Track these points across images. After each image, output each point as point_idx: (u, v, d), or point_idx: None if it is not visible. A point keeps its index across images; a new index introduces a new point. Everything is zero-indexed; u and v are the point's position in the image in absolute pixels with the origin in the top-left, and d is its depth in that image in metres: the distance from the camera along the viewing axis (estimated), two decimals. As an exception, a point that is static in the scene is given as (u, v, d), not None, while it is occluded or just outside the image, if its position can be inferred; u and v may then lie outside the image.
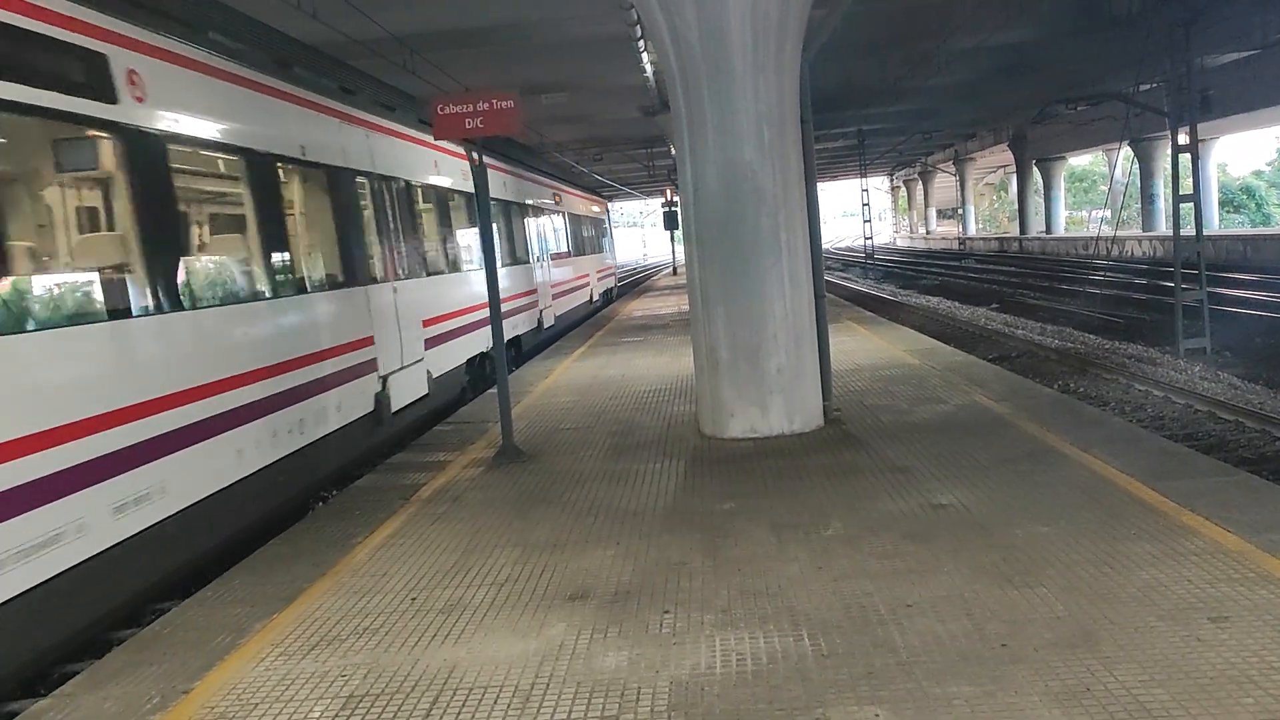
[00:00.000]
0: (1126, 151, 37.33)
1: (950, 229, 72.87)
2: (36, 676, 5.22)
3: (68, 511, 5.07)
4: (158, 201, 6.30)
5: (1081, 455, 6.99)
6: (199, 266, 7.15)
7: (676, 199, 29.44)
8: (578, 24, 16.33)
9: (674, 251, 47.72)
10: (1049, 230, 51.67)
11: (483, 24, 15.83)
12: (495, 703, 3.95)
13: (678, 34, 8.24)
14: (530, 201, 19.85)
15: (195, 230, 7.36)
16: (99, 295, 5.80)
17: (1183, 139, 16.90)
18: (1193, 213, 16.81)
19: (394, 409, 9.81)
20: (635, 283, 44.45)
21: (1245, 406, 11.75)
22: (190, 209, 7.22)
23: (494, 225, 13.84)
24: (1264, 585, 4.47)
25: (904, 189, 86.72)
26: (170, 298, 6.25)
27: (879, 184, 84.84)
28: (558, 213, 23.47)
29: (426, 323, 11.19)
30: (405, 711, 3.95)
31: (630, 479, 7.45)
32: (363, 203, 9.89)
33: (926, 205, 77.26)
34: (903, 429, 8.37)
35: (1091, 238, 39.53)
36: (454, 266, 13.08)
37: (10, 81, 5.02)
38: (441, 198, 12.94)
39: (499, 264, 16.64)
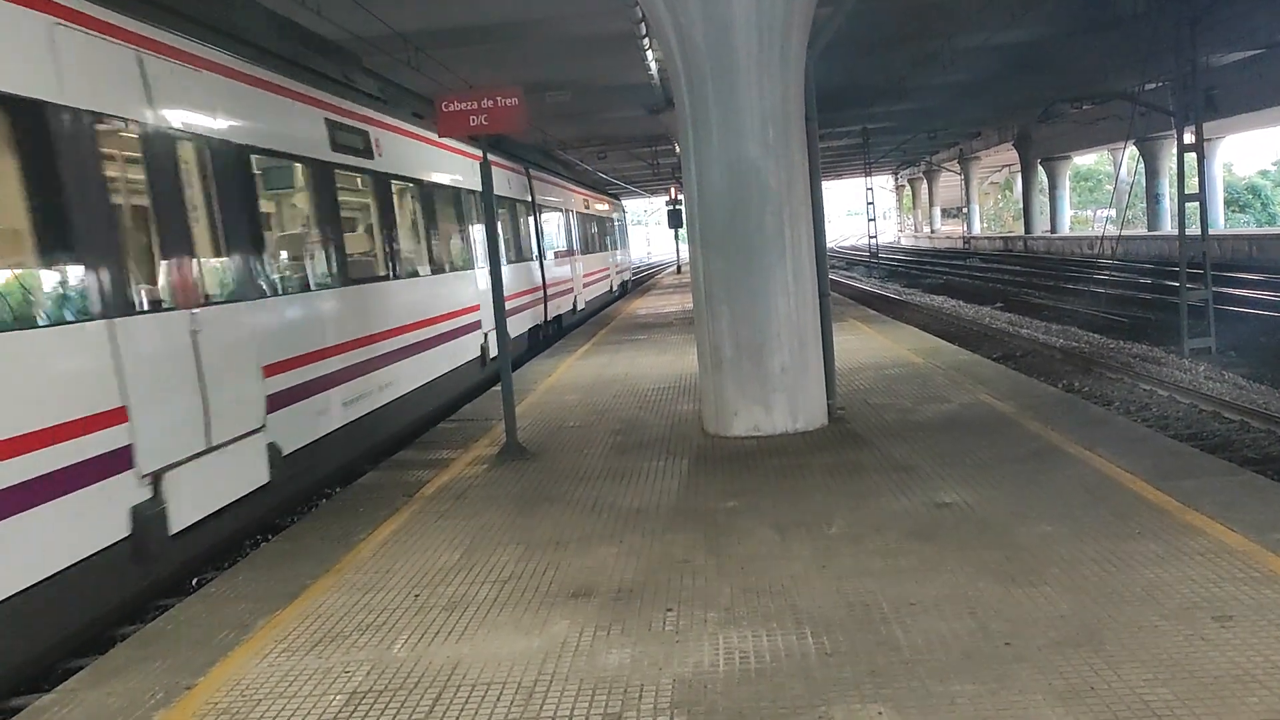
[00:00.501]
0: (1132, 151, 37.26)
1: (955, 228, 72.76)
2: (40, 674, 5.23)
3: (389, 375, 9.91)
4: (394, 213, 10.99)
5: (1086, 454, 6.97)
6: (418, 251, 12.00)
7: (681, 197, 29.66)
8: (582, 21, 16.33)
9: (678, 250, 47.76)
10: (1054, 229, 51.62)
11: (487, 21, 15.84)
12: (498, 700, 3.96)
13: (682, 31, 8.23)
14: (573, 209, 24.79)
15: (413, 229, 11.91)
16: (383, 266, 10.58)
17: (1188, 138, 16.86)
18: (1198, 212, 16.78)
19: (490, 356, 13.69)
20: (638, 281, 44.44)
21: (1250, 406, 11.73)
22: (412, 217, 11.87)
23: (551, 228, 21.98)
24: (1268, 585, 4.46)
25: (909, 188, 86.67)
26: (405, 268, 11.22)
27: (884, 182, 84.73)
28: (590, 217, 27.65)
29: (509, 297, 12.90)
30: (408, 708, 3.95)
31: (633, 477, 7.44)
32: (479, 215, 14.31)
33: (931, 204, 77.19)
34: (907, 428, 8.36)
35: (1096, 237, 39.47)
36: (521, 258, 17.71)
37: (341, 153, 9.49)
38: (521, 210, 18.42)
39: (554, 257, 22.11)
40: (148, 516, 5.72)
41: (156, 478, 5.85)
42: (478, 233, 14.02)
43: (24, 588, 4.80)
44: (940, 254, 58.99)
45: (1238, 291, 21.81)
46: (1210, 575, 4.63)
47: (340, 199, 9.50)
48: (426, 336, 11.40)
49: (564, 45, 18.07)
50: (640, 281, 43.40)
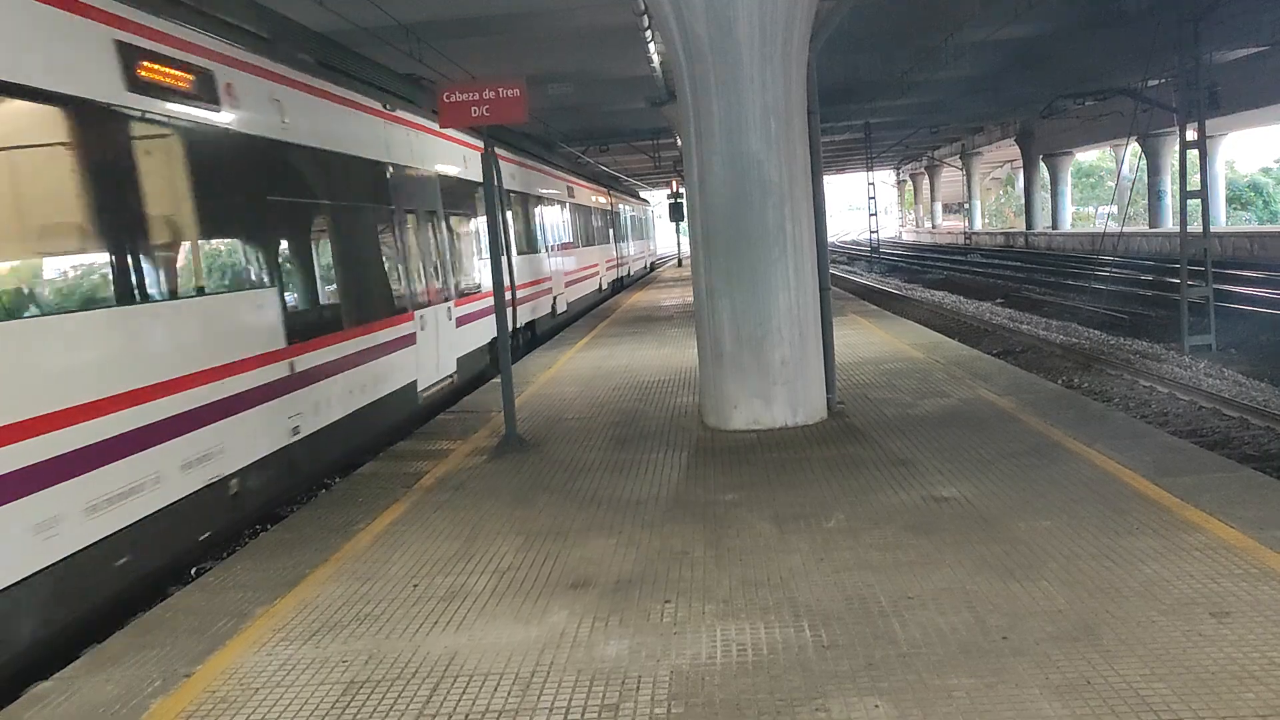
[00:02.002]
0: (1134, 147, 37.20)
1: (956, 224, 72.72)
2: (34, 666, 5.22)
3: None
4: (553, 220, 21.41)
5: (1085, 450, 6.97)
6: (554, 239, 20.61)
7: (682, 190, 29.92)
8: (585, 14, 16.29)
9: (679, 243, 47.87)
10: (1055, 226, 51.58)
11: (490, 13, 15.80)
12: (495, 690, 3.96)
13: (685, 24, 8.22)
14: (620, 209, 36.32)
15: (555, 227, 20.58)
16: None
17: (1191, 135, 16.83)
18: (1200, 209, 16.76)
19: (560, 311, 20.57)
20: (638, 275, 44.65)
21: (1249, 403, 11.74)
22: (553, 222, 20.77)
23: (609, 221, 30.52)
24: (1266, 581, 4.47)
25: (910, 183, 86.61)
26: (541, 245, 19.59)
27: (885, 178, 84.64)
28: (635, 216, 41.61)
29: (570, 273, 22.62)
30: (405, 698, 3.95)
31: (633, 469, 7.45)
32: (579, 219, 23.19)
33: (933, 199, 77.10)
34: (906, 422, 8.36)
35: (1098, 233, 39.43)
36: (587, 242, 26.48)
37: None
38: (596, 212, 28.18)
39: (612, 240, 32.73)
40: (555, 307, 20.74)
41: (555, 299, 20.34)
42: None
43: (545, 314, 17.99)
44: (941, 249, 58.95)
45: (1239, 289, 21.80)
46: (1208, 571, 4.64)
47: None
48: None
49: (566, 37, 18.02)
50: (639, 277, 43.36)
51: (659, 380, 11.67)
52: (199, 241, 6.85)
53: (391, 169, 10.70)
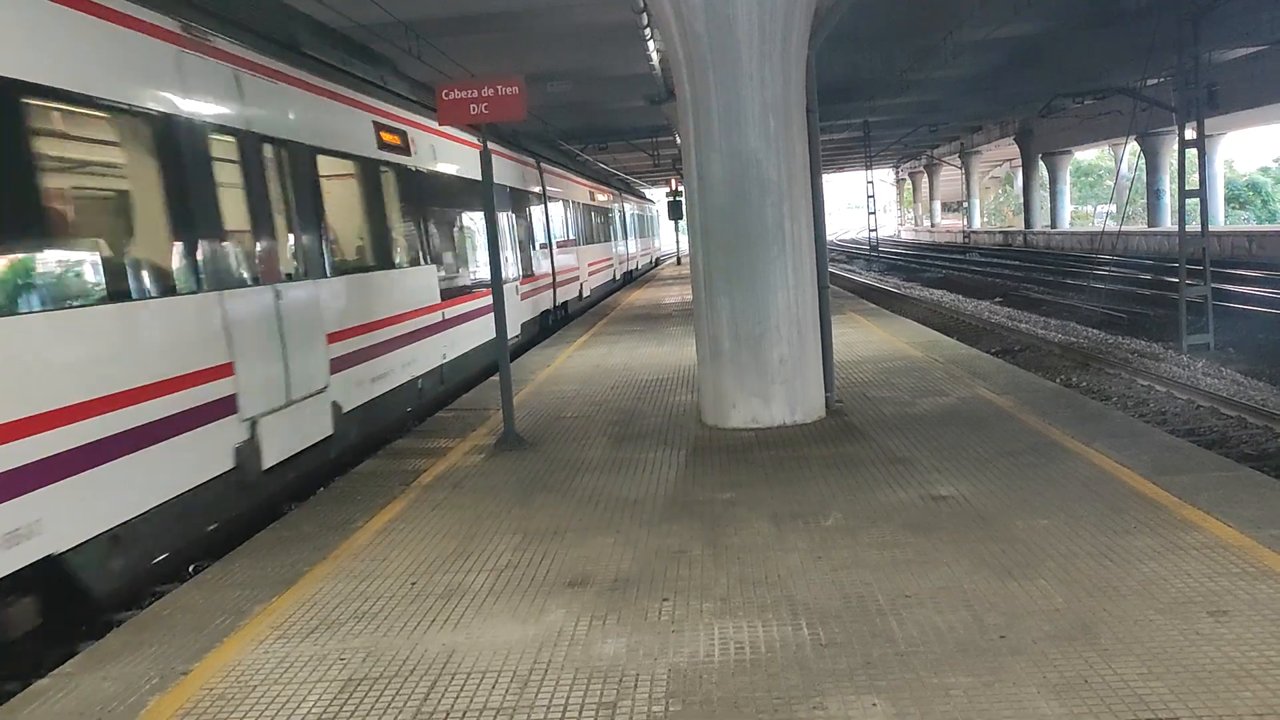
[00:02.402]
0: (1133, 146, 37.20)
1: (955, 222, 72.72)
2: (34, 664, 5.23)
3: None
4: (602, 221, 29.70)
5: (1083, 449, 6.98)
6: (582, 236, 25.07)
7: (681, 188, 30.18)
8: (584, 12, 16.29)
9: (678, 241, 47.95)
10: (1054, 224, 51.59)
11: (489, 10, 15.80)
12: (493, 688, 3.96)
13: (684, 22, 8.21)
14: (633, 210, 41.58)
15: (582, 225, 25.12)
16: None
17: (1189, 134, 16.85)
18: (1198, 208, 16.77)
19: (585, 295, 24.10)
20: (645, 267, 44.94)
21: (1248, 402, 11.75)
22: (581, 221, 25.18)
23: (622, 221, 35.68)
24: (1264, 580, 4.47)
25: (909, 181, 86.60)
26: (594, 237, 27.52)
27: (884, 176, 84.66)
28: (641, 215, 45.60)
29: (591, 264, 26.58)
30: (403, 695, 3.95)
31: (631, 468, 7.45)
32: (600, 219, 28.43)
33: (931, 198, 77.13)
34: (904, 421, 8.36)
35: (1096, 232, 39.43)
36: (607, 238, 30.20)
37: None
38: (615, 213, 33.10)
39: (626, 237, 38.08)
40: (581, 292, 24.19)
41: (581, 284, 24.24)
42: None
43: (574, 297, 22.32)
44: (940, 248, 58.99)
45: (1237, 288, 21.82)
46: (1206, 570, 4.64)
47: None
48: None
49: (565, 35, 18.02)
50: (638, 275, 43.37)
51: (658, 379, 11.67)
52: (412, 237, 11.28)
53: (509, 190, 15.98)
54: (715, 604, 4.65)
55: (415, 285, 11.04)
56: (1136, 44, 19.94)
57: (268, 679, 4.19)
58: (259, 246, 7.39)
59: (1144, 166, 40.85)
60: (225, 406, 6.60)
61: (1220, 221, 40.27)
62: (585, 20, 16.83)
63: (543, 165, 20.47)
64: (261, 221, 7.46)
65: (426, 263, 11.57)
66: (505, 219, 15.45)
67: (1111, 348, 16.81)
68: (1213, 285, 16.68)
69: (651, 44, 17.47)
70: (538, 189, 19.61)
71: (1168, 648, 3.88)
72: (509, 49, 18.40)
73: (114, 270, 5.73)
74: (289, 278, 7.80)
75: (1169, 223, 37.67)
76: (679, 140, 19.92)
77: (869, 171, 47.04)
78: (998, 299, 26.90)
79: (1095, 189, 70.63)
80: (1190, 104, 16.89)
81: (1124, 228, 37.23)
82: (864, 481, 6.59)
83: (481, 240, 13.16)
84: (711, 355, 8.63)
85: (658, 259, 55.39)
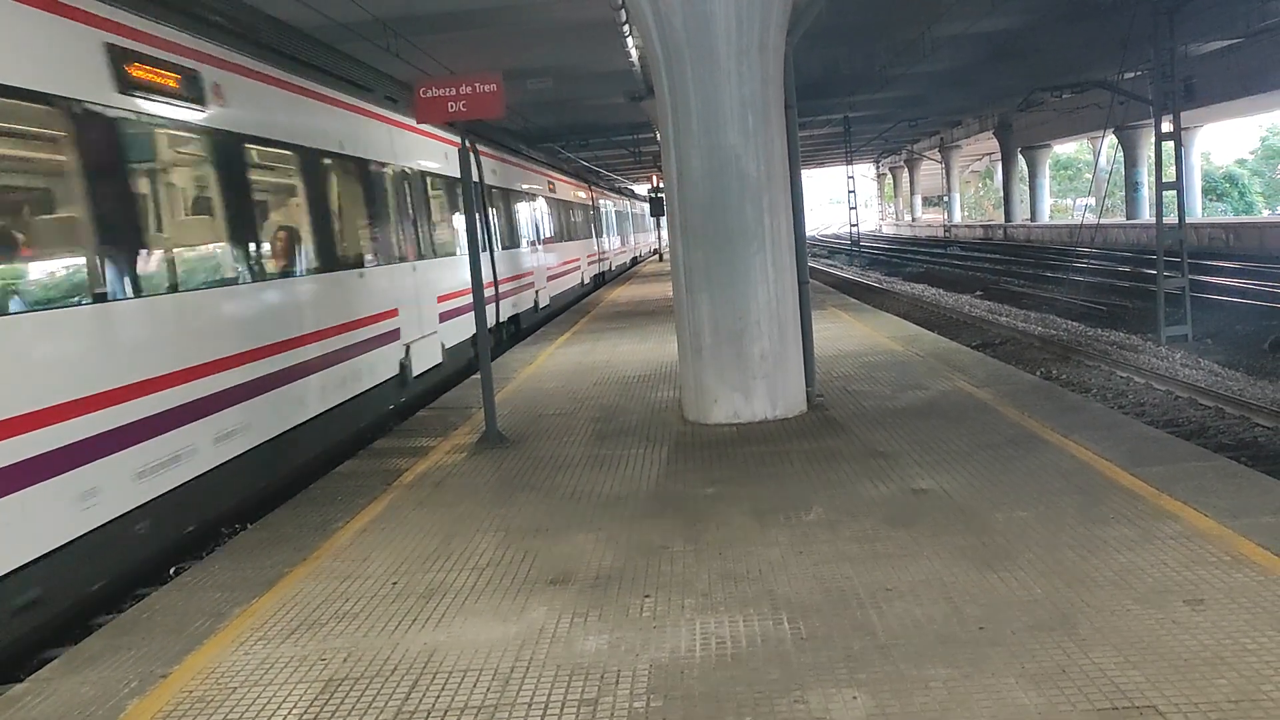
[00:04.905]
0: (1111, 139, 37.45)
1: (936, 216, 73.02)
2: (11, 662, 5.20)
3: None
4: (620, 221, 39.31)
5: (1062, 441, 7.02)
6: (582, 234, 28.76)
7: (662, 185, 30.29)
8: (563, 8, 16.24)
9: (660, 238, 48.10)
10: (1034, 218, 51.91)
11: (467, 7, 15.72)
12: (475, 686, 3.95)
13: (662, 17, 8.20)
14: (631, 209, 46.84)
15: (587, 224, 30.22)
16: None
17: (1166, 126, 16.97)
18: (1176, 200, 16.89)
19: (606, 271, 32.85)
20: (644, 256, 45.42)
21: (1225, 393, 11.84)
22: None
23: (625, 218, 41.37)
24: (1240, 569, 4.51)
25: (890, 176, 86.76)
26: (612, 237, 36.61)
27: (865, 171, 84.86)
28: (635, 212, 49.64)
29: (590, 256, 29.37)
30: (384, 694, 3.94)
31: (613, 464, 7.45)
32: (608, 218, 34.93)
33: (912, 192, 77.35)
34: (885, 415, 8.39)
35: (1076, 225, 39.67)
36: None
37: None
38: (629, 213, 44.72)
39: (632, 232, 48.18)
40: (597, 275, 31.61)
41: (601, 265, 32.12)
42: None
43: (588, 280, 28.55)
44: (921, 242, 59.20)
45: (1214, 279, 21.98)
46: (1183, 560, 4.67)
47: None
48: None
49: (544, 32, 17.96)
50: (619, 271, 43.41)
51: (640, 375, 11.67)
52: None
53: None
54: (697, 599, 4.66)
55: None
56: (1114, 38, 20.07)
57: (248, 681, 4.17)
58: (408, 236, 11.67)
59: (1122, 159, 41.13)
60: (396, 335, 10.70)
61: (1197, 214, 40.60)
62: (564, 17, 16.79)
63: (553, 175, 20.56)
64: (406, 221, 11.68)
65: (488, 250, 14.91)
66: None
67: (1091, 340, 16.92)
68: (1190, 277, 16.81)
69: (630, 40, 17.47)
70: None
71: (1145, 637, 3.91)
72: (488, 46, 18.33)
73: (356, 250, 10.16)
74: (420, 257, 11.97)
75: (1147, 215, 37.94)
76: (659, 136, 19.87)
77: (849, 166, 47.20)
78: (978, 293, 27.03)
79: (1074, 182, 71.05)
80: (1166, 97, 17.02)
81: (1103, 220, 37.51)
82: (845, 475, 6.61)
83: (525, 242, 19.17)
84: (693, 351, 8.63)
85: (635, 258, 52.01)
